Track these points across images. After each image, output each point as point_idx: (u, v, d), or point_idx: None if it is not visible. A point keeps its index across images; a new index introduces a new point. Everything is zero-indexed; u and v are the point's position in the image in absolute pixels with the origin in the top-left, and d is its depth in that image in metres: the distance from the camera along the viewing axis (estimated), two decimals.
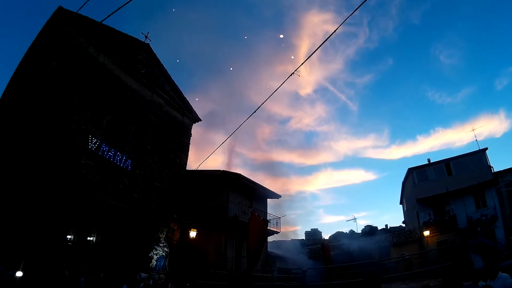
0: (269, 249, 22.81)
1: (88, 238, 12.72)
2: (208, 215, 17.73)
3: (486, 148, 25.01)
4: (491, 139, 68.10)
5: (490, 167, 24.36)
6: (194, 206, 17.70)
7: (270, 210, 23.24)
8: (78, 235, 12.03)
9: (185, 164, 17.55)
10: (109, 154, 13.24)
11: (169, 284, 12.25)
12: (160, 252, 14.53)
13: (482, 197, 24.23)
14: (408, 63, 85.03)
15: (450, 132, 70.44)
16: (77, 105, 12.23)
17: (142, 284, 11.51)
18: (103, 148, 12.96)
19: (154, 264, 14.09)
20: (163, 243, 14.85)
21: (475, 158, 24.87)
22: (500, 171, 24.13)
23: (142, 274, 12.33)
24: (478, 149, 25.00)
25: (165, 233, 15.06)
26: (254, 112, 9.86)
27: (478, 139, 54.37)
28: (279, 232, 22.45)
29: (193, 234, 15.96)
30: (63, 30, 12.10)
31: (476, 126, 69.65)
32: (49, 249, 9.95)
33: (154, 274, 13.34)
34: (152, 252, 14.25)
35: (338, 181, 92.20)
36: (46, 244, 9.99)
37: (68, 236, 11.62)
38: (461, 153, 26.25)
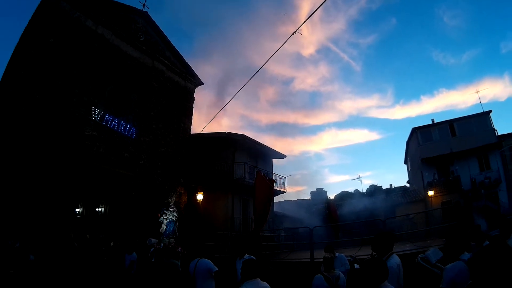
0: (275, 209, 23.16)
1: (97, 209, 13.01)
2: (214, 178, 17.87)
3: (490, 111, 24.45)
4: (495, 103, 66.69)
5: (494, 130, 23.93)
6: (200, 170, 17.77)
7: (275, 170, 23.46)
8: (86, 207, 12.31)
9: (189, 128, 17.50)
10: (113, 124, 13.20)
11: (179, 248, 12.32)
12: (170, 217, 14.95)
13: (486, 160, 24.11)
14: (412, 23, 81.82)
15: (454, 94, 69.04)
16: (78, 78, 12.11)
17: (152, 249, 11.70)
18: (106, 118, 12.90)
19: (164, 228, 14.50)
20: (173, 207, 15.26)
21: (479, 120, 24.40)
22: (504, 134, 23.75)
23: (152, 239, 12.59)
24: (482, 111, 24.51)
25: (174, 198, 15.40)
26: (256, 72, 9.71)
27: (482, 102, 53.53)
28: (285, 192, 22.74)
29: (200, 197, 16.19)
30: (58, 6, 11.78)
31: (480, 88, 68.74)
32: (59, 223, 10.20)
33: (164, 239, 13.80)
34: (162, 217, 14.64)
35: (343, 141, 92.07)
36: (56, 218, 10.24)
37: (77, 210, 11.89)
38: (465, 115, 25.89)
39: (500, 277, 1.76)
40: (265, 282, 3.85)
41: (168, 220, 14.78)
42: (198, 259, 7.02)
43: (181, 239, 14.78)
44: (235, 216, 18.41)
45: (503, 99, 70.01)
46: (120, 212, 13.19)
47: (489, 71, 75.69)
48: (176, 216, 15.15)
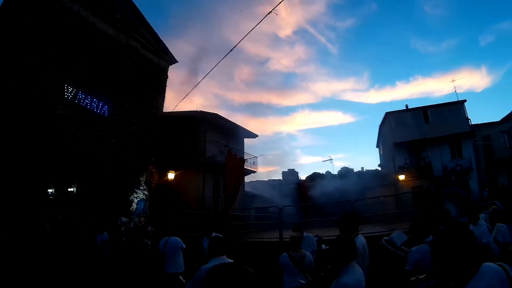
0: (246, 189, 24.36)
1: (69, 190, 13.52)
2: (185, 157, 18.78)
3: (465, 100, 26.20)
4: (471, 93, 69.63)
5: (468, 119, 25.71)
6: (172, 148, 18.53)
7: (247, 150, 24.67)
8: (58, 187, 12.85)
9: (162, 106, 18.13)
10: (86, 102, 13.67)
11: (149, 227, 12.89)
12: (140, 195, 15.61)
13: (458, 148, 25.77)
14: (392, 9, 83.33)
15: (430, 81, 71.71)
16: (52, 57, 12.46)
17: (123, 228, 12.32)
18: (79, 96, 13.36)
19: (135, 207, 15.18)
20: (143, 186, 15.88)
21: (454, 109, 26.04)
22: (478, 124, 25.61)
23: (122, 218, 13.23)
24: (457, 100, 26.23)
25: (145, 176, 16.05)
26: (230, 51, 10.28)
27: (458, 91, 56.02)
28: (256, 172, 24.01)
29: (171, 176, 17.12)
30: None
31: (456, 78, 72.63)
32: (31, 204, 10.74)
33: (134, 218, 14.36)
34: (132, 196, 15.27)
35: (316, 123, 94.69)
36: (28, 199, 10.79)
37: (49, 190, 12.41)
38: (440, 103, 27.41)
39: (459, 259, 1.84)
40: (231, 260, 3.85)
41: (138, 199, 15.45)
42: (167, 237, 7.64)
43: (152, 218, 15.46)
44: (206, 195, 19.42)
45: (479, 90, 73.22)
46: (92, 191, 13.83)
47: (466, 62, 78.94)
48: (146, 195, 15.84)
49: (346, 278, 3.03)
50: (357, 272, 3.13)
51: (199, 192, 19.18)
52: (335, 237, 4.52)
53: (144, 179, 16.02)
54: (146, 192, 15.90)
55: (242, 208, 20.17)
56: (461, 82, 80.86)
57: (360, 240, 4.54)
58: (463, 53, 78.50)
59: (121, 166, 15.11)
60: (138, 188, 15.66)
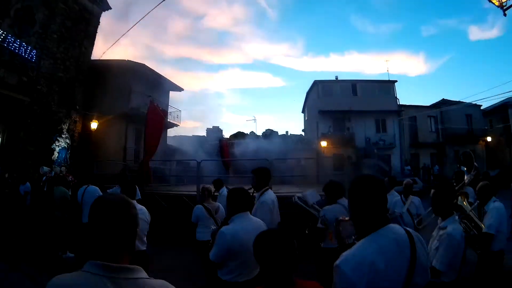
0: (169, 142, 26.59)
1: None
2: (110, 106, 20.04)
3: (396, 81, 30.68)
4: (404, 76, 77.78)
5: (396, 98, 30.05)
6: (97, 97, 19.77)
7: (173, 104, 26.60)
8: None
9: (91, 53, 19.35)
10: (14, 45, 14.51)
11: (70, 177, 13.31)
12: (62, 144, 17.02)
13: (384, 124, 30.05)
14: None
15: (365, 59, 78.73)
16: None
17: (45, 177, 13.01)
18: (8, 39, 14.17)
19: (56, 156, 16.55)
20: (65, 134, 17.26)
21: (384, 87, 30.21)
22: (406, 105, 30.16)
23: (44, 167, 14.11)
24: (388, 79, 30.43)
25: (67, 125, 17.43)
26: (163, 1, 10.50)
27: (391, 72, 62.53)
28: (178, 125, 26.32)
29: (94, 125, 18.48)
30: None
31: (391, 59, 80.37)
32: None
33: (55, 167, 15.28)
34: (54, 144, 16.58)
35: (245, 83, 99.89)
36: None
37: None
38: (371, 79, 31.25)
39: (363, 212, 1.95)
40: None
41: (60, 148, 16.86)
42: (86, 186, 8.30)
43: (73, 167, 16.86)
44: (128, 146, 21.46)
45: (412, 75, 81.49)
46: (15, 141, 14.98)
47: (405, 47, 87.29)
48: (68, 144, 17.32)
49: (229, 227, 3.49)
50: (246, 223, 3.47)
51: (121, 143, 21.08)
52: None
53: (66, 127, 17.43)
54: (68, 141, 17.41)
55: (164, 160, 21.73)
56: (395, 65, 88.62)
57: (270, 195, 5.02)
58: (403, 38, 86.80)
59: (45, 114, 16.35)
60: (60, 137, 17.06)
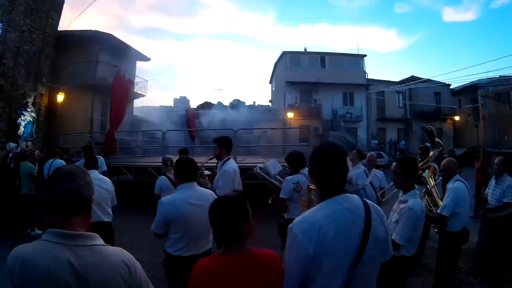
0: (135, 113, 26.92)
1: None
2: (77, 78, 20.23)
3: (365, 55, 31.79)
4: (375, 52, 79.32)
5: (365, 72, 31.21)
6: (64, 69, 19.89)
7: (140, 74, 26.72)
8: None
9: (57, 24, 19.09)
10: None
11: (36, 151, 13.54)
12: (27, 118, 16.89)
13: (351, 97, 31.26)
14: None
15: (336, 32, 79.19)
16: None
17: (11, 154, 13.67)
18: None
19: (22, 131, 16.47)
20: (31, 108, 17.18)
21: (353, 61, 31.26)
22: (375, 79, 31.34)
23: (10, 144, 14.60)
24: (358, 53, 31.45)
25: (33, 98, 17.38)
26: None
27: (362, 47, 64.05)
28: (145, 96, 26.46)
29: (61, 98, 18.78)
30: None
31: (363, 33, 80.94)
32: None
33: (22, 142, 15.78)
34: (20, 119, 16.50)
35: (212, 52, 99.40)
36: None
37: None
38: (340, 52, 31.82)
39: (328, 164, 2.00)
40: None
41: (26, 122, 16.79)
42: (52, 160, 8.65)
43: (39, 142, 17.12)
44: (95, 119, 21.61)
45: (383, 51, 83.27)
46: None
47: (377, 22, 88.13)
48: (34, 117, 17.26)
49: (169, 197, 3.63)
50: (189, 193, 3.55)
51: (88, 115, 21.31)
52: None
53: (32, 101, 17.42)
54: (33, 115, 17.34)
55: (130, 132, 22.26)
56: (366, 40, 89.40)
57: (231, 164, 5.17)
58: (376, 13, 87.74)
59: (11, 88, 16.36)
60: (26, 111, 16.99)
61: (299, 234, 1.88)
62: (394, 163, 3.74)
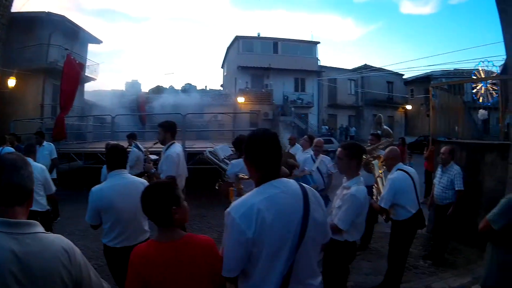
0: (86, 97, 26.85)
1: None
2: (28, 61, 20.15)
3: (318, 42, 33.07)
4: (329, 40, 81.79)
5: (317, 59, 32.50)
6: (15, 52, 19.46)
7: (92, 57, 26.94)
8: None
9: (11, 6, 19.37)
10: None
11: None
12: None
13: (303, 83, 32.56)
14: None
15: (292, 19, 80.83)
16: None
17: None
18: None
19: None
20: None
21: (306, 47, 32.56)
22: (326, 66, 32.70)
23: None
24: (311, 40, 32.65)
25: None
26: None
27: (317, 35, 66.57)
28: (96, 79, 26.58)
29: (12, 82, 18.48)
30: None
31: (318, 21, 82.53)
32: None
33: None
34: None
35: (165, 35, 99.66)
36: None
37: None
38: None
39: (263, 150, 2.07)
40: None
41: None
42: (1, 148, 8.45)
43: None
44: (46, 103, 21.48)
45: (337, 40, 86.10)
46: None
47: (334, 11, 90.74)
48: None
49: (98, 185, 3.65)
50: (118, 181, 3.61)
51: (39, 99, 21.19)
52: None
53: None
54: None
55: (80, 116, 22.34)
56: (322, 27, 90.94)
57: (175, 148, 5.35)
58: (335, 2, 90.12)
59: None
60: None
61: (237, 218, 1.92)
62: (338, 149, 3.78)
